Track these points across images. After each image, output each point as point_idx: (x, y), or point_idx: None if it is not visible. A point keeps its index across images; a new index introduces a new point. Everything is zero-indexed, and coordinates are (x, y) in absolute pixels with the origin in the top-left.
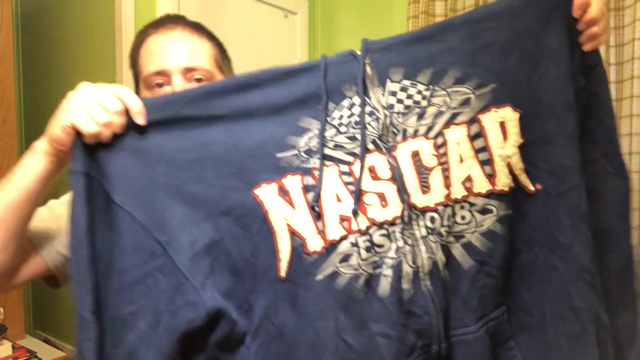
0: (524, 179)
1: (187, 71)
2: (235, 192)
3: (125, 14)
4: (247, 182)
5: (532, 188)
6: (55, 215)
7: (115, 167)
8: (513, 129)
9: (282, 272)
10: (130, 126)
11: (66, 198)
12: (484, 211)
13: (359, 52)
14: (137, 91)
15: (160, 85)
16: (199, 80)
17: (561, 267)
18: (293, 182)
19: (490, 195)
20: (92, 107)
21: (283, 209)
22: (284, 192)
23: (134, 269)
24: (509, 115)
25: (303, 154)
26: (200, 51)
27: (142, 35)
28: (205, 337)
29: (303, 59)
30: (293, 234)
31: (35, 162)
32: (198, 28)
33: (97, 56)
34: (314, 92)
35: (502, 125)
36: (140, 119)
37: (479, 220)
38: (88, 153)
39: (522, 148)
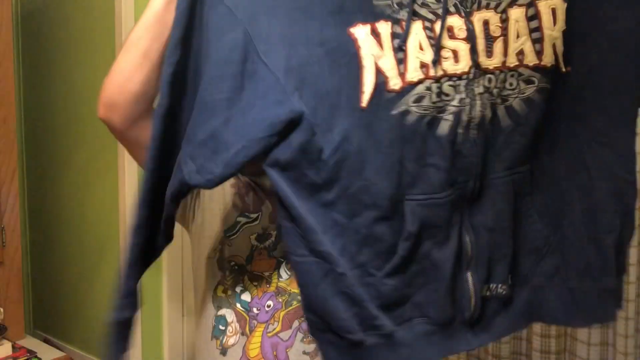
0: (561, 60)
1: None
2: (332, 27)
3: (125, 14)
4: (344, 21)
5: (563, 69)
6: None
7: None
8: (561, 15)
9: (364, 103)
10: None
11: None
12: (528, 81)
13: None
14: None
15: None
16: None
17: (580, 133)
18: (384, 28)
19: (535, 68)
20: None
21: (374, 48)
22: (375, 34)
23: (229, 64)
24: (559, 3)
25: (395, 5)
26: None
27: None
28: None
29: None
30: (378, 71)
31: None
32: None
33: (97, 56)
34: None
35: (554, 11)
36: None
37: (522, 88)
38: None
39: (564, 33)
